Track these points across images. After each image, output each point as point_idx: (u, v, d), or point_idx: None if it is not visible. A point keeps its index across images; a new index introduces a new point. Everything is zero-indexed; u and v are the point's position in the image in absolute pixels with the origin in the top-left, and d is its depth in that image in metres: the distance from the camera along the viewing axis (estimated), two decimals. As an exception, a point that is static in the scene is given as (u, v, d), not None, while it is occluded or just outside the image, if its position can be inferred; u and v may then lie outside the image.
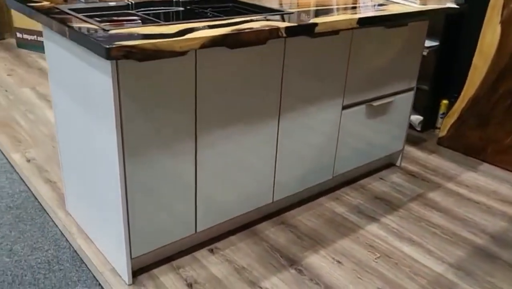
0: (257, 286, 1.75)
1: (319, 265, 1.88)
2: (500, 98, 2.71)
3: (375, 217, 2.20)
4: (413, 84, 2.47)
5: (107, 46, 1.26)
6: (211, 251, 1.92)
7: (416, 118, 3.16)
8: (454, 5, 2.28)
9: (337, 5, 2.13)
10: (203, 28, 1.53)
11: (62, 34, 1.48)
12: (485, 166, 2.76)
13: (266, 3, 2.05)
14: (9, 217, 2.07)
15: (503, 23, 2.64)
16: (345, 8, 2.05)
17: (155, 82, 1.48)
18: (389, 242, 2.04)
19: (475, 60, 2.77)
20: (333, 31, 1.91)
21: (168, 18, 1.86)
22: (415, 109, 3.21)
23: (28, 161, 2.52)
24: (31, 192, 2.26)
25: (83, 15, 1.63)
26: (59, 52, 1.70)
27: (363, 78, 2.17)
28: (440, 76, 3.06)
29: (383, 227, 2.14)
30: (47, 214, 2.11)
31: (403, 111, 2.50)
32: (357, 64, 2.10)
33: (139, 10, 1.87)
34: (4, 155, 2.58)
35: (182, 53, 1.49)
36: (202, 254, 1.90)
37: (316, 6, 2.05)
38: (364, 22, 1.88)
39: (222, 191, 1.84)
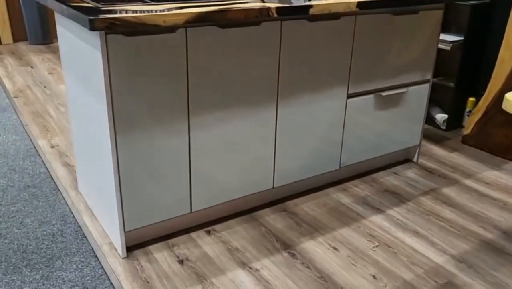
0: (247, 266, 1.76)
1: (314, 250, 1.85)
2: (526, 94, 2.57)
3: (381, 208, 2.15)
4: (428, 76, 2.41)
5: (91, 18, 1.34)
6: (208, 232, 1.95)
7: (441, 116, 3.05)
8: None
9: None
10: (191, 7, 1.58)
11: (62, 13, 1.58)
12: (511, 165, 2.62)
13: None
14: (25, 194, 2.20)
15: (530, 15, 2.52)
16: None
17: (146, 59, 1.54)
18: (391, 233, 1.98)
19: (502, 53, 2.66)
20: (333, 16, 1.91)
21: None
22: (441, 107, 3.11)
23: (52, 146, 2.66)
24: (49, 173, 2.39)
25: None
26: (66, 36, 1.81)
27: (369, 67, 2.14)
28: (466, 73, 2.95)
29: (388, 218, 2.08)
30: (60, 193, 2.22)
31: (418, 104, 2.43)
32: (362, 52, 2.08)
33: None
34: (32, 142, 2.74)
35: (170, 30, 1.55)
36: (198, 234, 1.93)
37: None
38: (365, 5, 1.87)
39: (217, 172, 1.87)
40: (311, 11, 1.73)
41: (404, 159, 2.62)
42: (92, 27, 1.34)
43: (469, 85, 3.01)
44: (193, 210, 1.87)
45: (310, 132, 2.07)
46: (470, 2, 2.74)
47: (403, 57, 2.24)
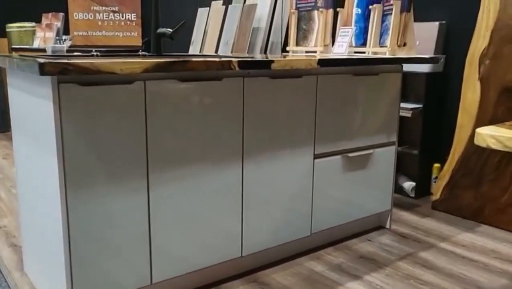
0: None
1: (289, 322, 1.66)
2: (490, 154, 2.60)
3: (358, 275, 2.00)
4: (393, 138, 2.40)
5: (41, 62, 1.26)
6: (170, 308, 1.74)
7: (409, 184, 3.03)
8: (423, 56, 2.29)
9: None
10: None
11: (12, 66, 1.50)
12: (484, 227, 2.56)
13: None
14: (-38, 278, 1.94)
15: (481, 80, 2.63)
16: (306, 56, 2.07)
17: (102, 112, 1.46)
18: (371, 299, 1.82)
19: (460, 119, 2.72)
20: (295, 74, 1.91)
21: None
22: (407, 175, 3.10)
23: (-1, 228, 2.44)
24: (-8, 255, 2.15)
25: (43, 56, 1.67)
26: (17, 98, 1.71)
27: (334, 126, 2.11)
28: (428, 139, 2.99)
29: (366, 284, 1.93)
30: (2, 274, 1.97)
31: (386, 167, 2.40)
32: (326, 112, 2.07)
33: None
34: (-24, 224, 2.51)
35: (128, 81, 1.48)
36: (159, 311, 1.71)
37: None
38: (325, 63, 1.88)
39: (180, 240, 1.71)
40: (273, 66, 1.72)
41: (376, 225, 2.53)
42: (43, 72, 1.26)
43: (432, 151, 3.03)
44: (153, 282, 1.68)
45: (278, 195, 1.97)
46: (424, 71, 2.85)
47: (367, 119, 2.24)
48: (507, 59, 2.55)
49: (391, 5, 2.31)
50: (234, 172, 1.80)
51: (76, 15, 5.67)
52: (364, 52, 2.50)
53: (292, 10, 2.87)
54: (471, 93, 2.67)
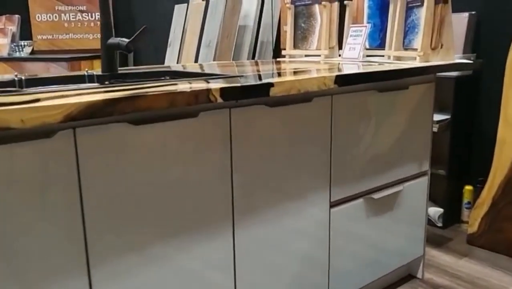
0: None
1: None
2: (542, 179, 2.08)
3: None
4: (426, 166, 1.87)
5: None
6: None
7: (435, 211, 2.50)
8: (466, 60, 1.76)
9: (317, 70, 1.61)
10: (83, 93, 0.97)
11: None
12: (539, 270, 2.05)
13: (223, 71, 1.54)
14: None
15: (528, 84, 2.10)
16: (317, 72, 1.52)
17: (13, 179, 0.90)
18: None
19: (501, 133, 2.19)
20: (302, 97, 1.36)
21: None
22: (433, 200, 2.56)
23: None
24: None
25: None
26: None
27: (355, 161, 1.57)
28: (458, 157, 2.47)
29: None
30: None
31: (417, 203, 1.86)
32: (344, 142, 1.52)
33: (30, 89, 1.36)
34: None
35: (42, 134, 0.92)
36: None
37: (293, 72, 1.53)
38: (345, 80, 1.34)
39: None
40: (273, 92, 1.17)
41: (405, 274, 2.00)
42: None
43: (463, 171, 2.51)
44: None
45: (285, 256, 1.43)
46: (452, 75, 2.32)
47: (395, 145, 1.71)
48: (561, 58, 2.02)
49: (419, -6, 1.77)
50: (223, 233, 1.26)
51: (38, 17, 5.04)
52: (382, 56, 1.96)
53: (287, 5, 2.32)
54: (514, 101, 2.15)
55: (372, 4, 2.07)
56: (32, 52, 4.54)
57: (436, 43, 1.70)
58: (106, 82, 1.49)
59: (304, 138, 1.40)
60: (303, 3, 2.29)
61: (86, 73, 1.48)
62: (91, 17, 5.08)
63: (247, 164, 1.27)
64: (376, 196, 1.66)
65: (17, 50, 4.13)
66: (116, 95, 0.93)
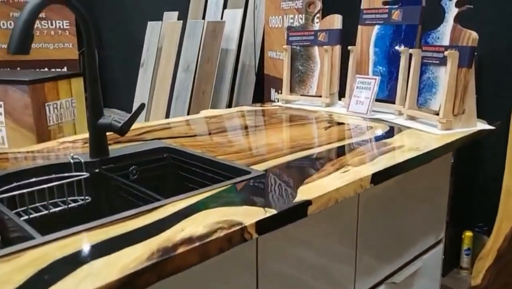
0: None
1: None
2: (551, 235, 2.01)
3: None
4: (441, 234, 1.75)
5: None
6: None
7: (434, 257, 2.41)
8: (487, 126, 1.63)
9: (319, 143, 1.44)
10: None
11: None
12: (548, 330, 1.99)
13: (220, 153, 1.34)
14: None
15: (536, 134, 2.02)
16: (336, 154, 1.35)
17: None
18: None
19: (507, 183, 2.11)
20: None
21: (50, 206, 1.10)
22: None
23: None
24: None
25: None
26: None
27: (379, 248, 1.42)
28: (458, 202, 2.37)
29: None
30: None
31: (432, 274, 1.74)
32: (369, 232, 1.36)
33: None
34: None
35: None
36: None
37: (292, 152, 1.35)
38: (383, 178, 1.17)
39: None
40: (310, 210, 0.98)
41: None
42: None
43: (463, 216, 2.42)
44: None
45: None
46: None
47: (413, 220, 1.57)
48: None
49: (439, 52, 1.62)
50: None
51: (-9, 25, 4.61)
52: (392, 114, 1.81)
53: (284, 46, 2.12)
54: (522, 151, 2.06)
55: (379, 52, 1.92)
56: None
57: (459, 110, 1.56)
58: (97, 170, 1.26)
59: (330, 239, 1.23)
60: (300, 44, 2.11)
61: (71, 160, 1.25)
62: (51, 25, 4.70)
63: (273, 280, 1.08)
64: (398, 279, 1.51)
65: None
66: (133, 266, 0.72)
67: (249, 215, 0.89)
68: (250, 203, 0.96)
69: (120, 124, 1.23)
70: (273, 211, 0.91)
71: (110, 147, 1.33)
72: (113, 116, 1.26)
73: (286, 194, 1.01)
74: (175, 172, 1.34)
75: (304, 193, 1.01)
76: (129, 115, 1.24)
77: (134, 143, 1.43)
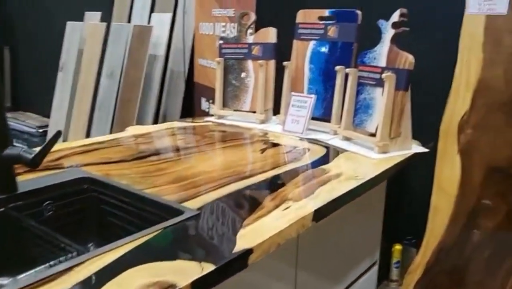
0: None
1: None
2: (476, 249, 2.07)
3: None
4: (376, 256, 1.74)
5: None
6: None
7: (365, 271, 2.42)
8: (422, 148, 1.64)
9: (256, 170, 1.35)
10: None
11: None
12: None
13: (145, 185, 1.21)
14: None
15: (462, 152, 2.07)
16: (275, 185, 1.28)
17: None
18: None
19: (435, 200, 2.14)
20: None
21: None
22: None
23: None
24: None
25: None
26: None
27: (316, 284, 1.36)
28: (387, 215, 2.40)
29: None
30: None
31: (367, 295, 1.73)
32: (309, 270, 1.30)
33: None
34: None
35: None
36: None
37: (228, 182, 1.25)
38: (323, 213, 1.11)
39: None
40: (252, 259, 0.89)
41: None
42: None
43: (393, 230, 2.45)
44: None
45: None
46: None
47: (351, 251, 1.53)
48: (494, 131, 2.01)
49: (375, 73, 1.60)
50: None
51: None
52: (327, 133, 1.77)
53: (216, 59, 2.02)
54: (448, 169, 2.10)
55: (314, 69, 1.87)
56: None
57: (396, 133, 1.54)
58: (1, 209, 1.09)
59: (270, 276, 1.15)
60: (233, 56, 2.02)
61: (-30, 198, 1.06)
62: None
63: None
64: (335, 309, 1.47)
65: None
66: None
67: (183, 272, 0.78)
68: (184, 256, 0.85)
69: (31, 156, 1.06)
70: (210, 267, 0.80)
71: (20, 178, 1.16)
72: (22, 147, 1.09)
73: (224, 242, 0.91)
74: (97, 206, 1.20)
75: (244, 239, 0.91)
76: (42, 145, 1.08)
77: (50, 172, 1.26)
